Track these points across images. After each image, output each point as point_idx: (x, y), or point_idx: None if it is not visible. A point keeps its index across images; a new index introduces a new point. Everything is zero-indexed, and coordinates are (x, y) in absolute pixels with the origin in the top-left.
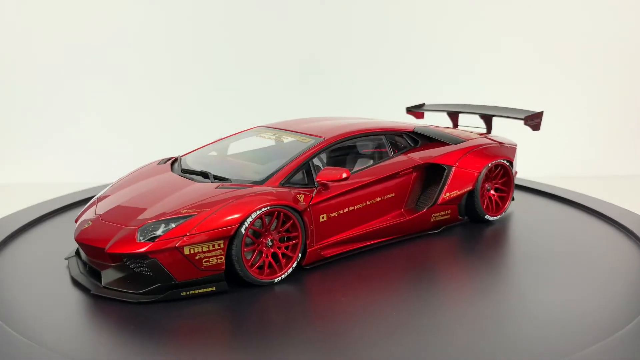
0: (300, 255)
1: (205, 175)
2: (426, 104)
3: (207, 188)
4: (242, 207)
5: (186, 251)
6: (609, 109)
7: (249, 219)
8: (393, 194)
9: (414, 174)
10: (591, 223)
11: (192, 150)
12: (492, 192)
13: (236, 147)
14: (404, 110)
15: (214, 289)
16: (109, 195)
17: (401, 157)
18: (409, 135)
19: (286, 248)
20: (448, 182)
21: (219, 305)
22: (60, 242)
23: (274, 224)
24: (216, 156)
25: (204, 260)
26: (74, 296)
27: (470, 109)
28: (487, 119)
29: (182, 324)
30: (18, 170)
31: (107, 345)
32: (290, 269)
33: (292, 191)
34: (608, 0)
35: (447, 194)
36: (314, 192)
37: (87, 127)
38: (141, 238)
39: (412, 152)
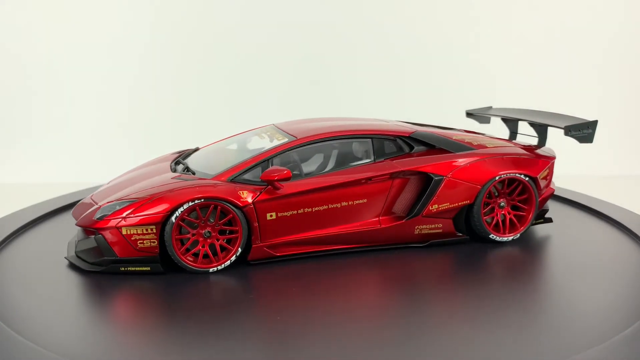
0: (240, 249)
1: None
2: (493, 107)
3: (165, 178)
4: (175, 197)
5: (124, 231)
6: (609, 109)
7: (180, 209)
8: (365, 200)
9: (396, 181)
10: (591, 223)
11: (213, 142)
12: (506, 209)
13: (253, 144)
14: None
15: (149, 269)
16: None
17: (381, 163)
18: (404, 140)
19: (227, 241)
20: (437, 192)
21: (156, 284)
22: (60, 241)
23: (213, 216)
24: (215, 150)
25: (138, 242)
26: (74, 296)
27: (529, 116)
28: (541, 128)
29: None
30: (18, 170)
31: (106, 345)
32: (228, 262)
33: (236, 187)
34: None
35: (435, 206)
36: (262, 190)
37: (87, 126)
38: (97, 216)
39: (400, 158)
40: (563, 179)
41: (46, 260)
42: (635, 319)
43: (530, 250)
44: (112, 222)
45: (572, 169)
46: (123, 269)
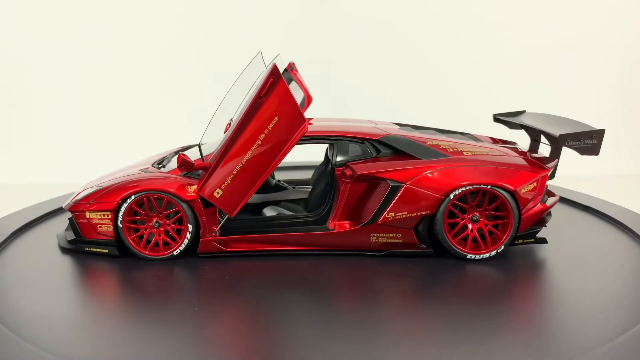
0: (187, 241)
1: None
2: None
3: (136, 170)
4: (126, 188)
5: (87, 215)
6: (609, 109)
7: (130, 199)
8: None
9: (351, 185)
10: (591, 223)
11: None
12: (482, 223)
13: None
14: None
15: (107, 251)
16: None
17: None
18: (372, 144)
19: (176, 232)
20: (394, 200)
21: (155, 282)
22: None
23: (167, 208)
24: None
25: (98, 226)
26: (74, 297)
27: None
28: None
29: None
30: (18, 170)
31: (106, 345)
32: (176, 252)
33: (186, 181)
34: None
35: (392, 214)
36: None
37: (88, 127)
38: (75, 200)
39: (361, 162)
40: (563, 179)
41: (45, 261)
42: (636, 321)
43: (528, 249)
44: (80, 206)
45: (571, 168)
46: (87, 249)
